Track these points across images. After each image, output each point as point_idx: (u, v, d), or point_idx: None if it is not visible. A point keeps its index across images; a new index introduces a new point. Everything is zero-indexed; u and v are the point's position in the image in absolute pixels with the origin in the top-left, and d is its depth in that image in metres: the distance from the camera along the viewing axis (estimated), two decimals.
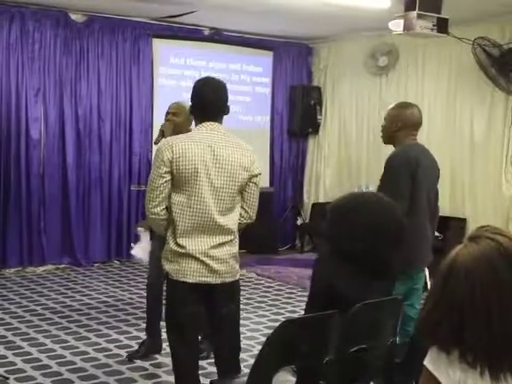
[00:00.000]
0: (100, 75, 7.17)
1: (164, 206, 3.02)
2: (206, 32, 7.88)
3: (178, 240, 3.00)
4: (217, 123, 3.05)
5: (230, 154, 3.01)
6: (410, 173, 3.43)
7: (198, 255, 3.00)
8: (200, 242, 3.00)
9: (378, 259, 2.43)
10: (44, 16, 6.79)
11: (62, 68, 6.95)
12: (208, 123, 3.03)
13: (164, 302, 3.42)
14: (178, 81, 7.61)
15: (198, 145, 2.97)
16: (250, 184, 3.10)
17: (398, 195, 3.38)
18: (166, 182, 2.97)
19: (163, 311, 4.46)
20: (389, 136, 3.63)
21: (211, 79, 3.18)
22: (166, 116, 4.48)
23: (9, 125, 6.70)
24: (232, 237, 3.08)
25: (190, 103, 3.11)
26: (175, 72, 7.62)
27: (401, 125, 3.54)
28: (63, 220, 7.10)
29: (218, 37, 7.90)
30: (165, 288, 3.32)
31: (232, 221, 3.06)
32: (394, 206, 2.60)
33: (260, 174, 3.15)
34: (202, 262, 3.00)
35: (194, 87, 3.10)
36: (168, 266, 3.07)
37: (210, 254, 3.01)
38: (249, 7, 6.50)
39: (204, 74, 7.53)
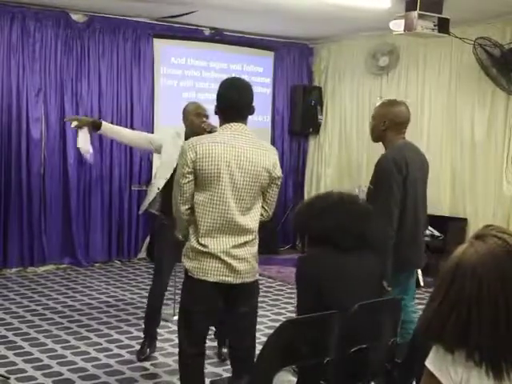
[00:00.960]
0: (101, 75, 7.17)
1: (188, 206, 3.04)
2: (207, 32, 7.88)
3: (200, 239, 3.01)
4: (241, 124, 3.06)
5: (253, 156, 3.01)
6: (401, 176, 3.42)
7: (219, 254, 3.01)
8: (222, 241, 3.01)
9: (349, 231, 2.62)
10: (45, 16, 6.79)
11: (62, 68, 6.95)
12: (232, 124, 3.04)
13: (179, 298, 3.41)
14: (178, 81, 7.62)
15: (222, 146, 2.97)
16: (272, 185, 3.12)
17: (392, 200, 3.38)
18: (189, 182, 2.99)
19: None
20: (377, 135, 3.62)
21: (237, 80, 3.20)
22: (198, 118, 4.43)
23: (10, 125, 6.71)
24: (252, 236, 3.09)
25: (216, 103, 3.11)
26: (176, 72, 7.62)
27: (388, 123, 3.52)
28: (64, 220, 7.11)
29: (218, 37, 7.90)
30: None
31: (252, 220, 3.08)
32: (344, 191, 2.92)
33: (281, 176, 3.17)
34: (224, 261, 3.01)
35: (220, 88, 3.10)
36: (188, 264, 3.07)
37: (231, 254, 3.02)
38: (249, 7, 6.50)
39: (205, 74, 7.65)
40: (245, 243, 3.06)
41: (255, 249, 3.14)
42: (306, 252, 2.78)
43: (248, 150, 3.01)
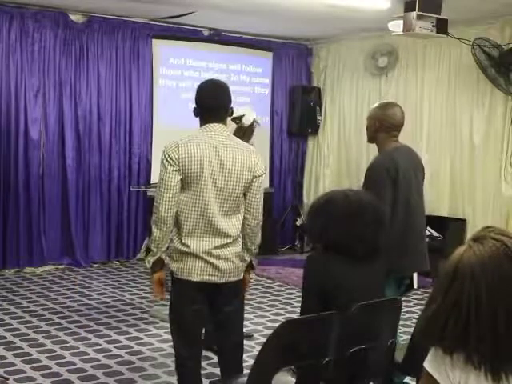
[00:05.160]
0: (99, 76, 7.17)
1: (176, 209, 3.00)
2: (206, 32, 7.89)
3: (182, 239, 3.02)
4: (220, 124, 3.06)
5: (234, 155, 3.01)
6: (391, 180, 3.39)
7: (201, 254, 3.01)
8: (204, 241, 3.02)
9: (363, 241, 2.55)
10: (44, 17, 6.79)
11: (61, 68, 6.95)
12: (212, 124, 3.04)
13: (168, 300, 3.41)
14: (177, 81, 7.61)
15: (203, 145, 2.98)
16: (253, 184, 3.09)
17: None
18: (178, 182, 2.96)
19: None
20: (370, 136, 3.62)
21: (212, 81, 3.21)
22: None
23: (8, 125, 6.70)
24: (233, 238, 3.08)
25: (194, 105, 3.12)
26: (175, 72, 7.61)
27: (379, 125, 3.50)
28: (63, 220, 7.10)
29: (217, 37, 7.91)
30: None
31: (234, 225, 3.06)
32: (364, 192, 2.84)
33: (263, 174, 3.13)
34: (206, 260, 3.01)
35: (196, 90, 3.12)
36: (173, 265, 3.08)
37: (214, 254, 3.02)
38: (248, 8, 6.50)
39: (204, 75, 7.64)
40: (227, 244, 3.05)
41: (239, 248, 3.12)
42: (315, 253, 2.72)
43: (229, 149, 3.01)
